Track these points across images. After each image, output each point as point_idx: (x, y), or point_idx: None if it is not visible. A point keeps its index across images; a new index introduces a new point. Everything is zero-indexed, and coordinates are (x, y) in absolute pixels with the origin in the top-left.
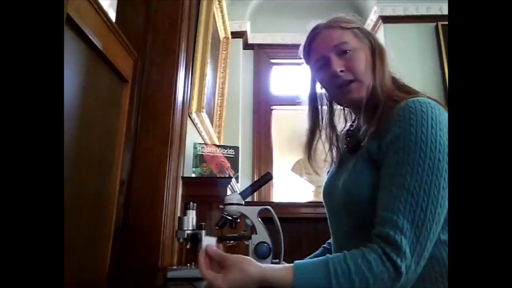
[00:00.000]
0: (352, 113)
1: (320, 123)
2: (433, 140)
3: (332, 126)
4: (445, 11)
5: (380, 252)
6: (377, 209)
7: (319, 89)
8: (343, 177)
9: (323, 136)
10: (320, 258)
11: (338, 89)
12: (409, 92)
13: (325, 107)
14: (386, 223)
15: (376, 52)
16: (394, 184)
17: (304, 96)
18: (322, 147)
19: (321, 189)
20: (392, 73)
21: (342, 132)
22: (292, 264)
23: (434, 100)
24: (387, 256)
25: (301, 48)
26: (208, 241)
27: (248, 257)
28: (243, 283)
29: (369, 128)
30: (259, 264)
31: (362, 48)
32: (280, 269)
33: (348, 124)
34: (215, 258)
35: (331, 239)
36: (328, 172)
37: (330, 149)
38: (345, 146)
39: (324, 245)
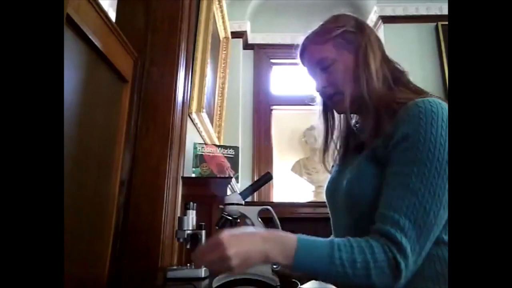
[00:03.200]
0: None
1: (331, 124)
2: (442, 142)
3: (337, 125)
4: (445, 11)
5: (383, 243)
6: (379, 206)
7: None
8: (347, 176)
9: (335, 136)
10: (325, 239)
11: (327, 101)
12: (417, 92)
13: None
14: (387, 220)
15: (360, 56)
16: (398, 183)
17: (316, 96)
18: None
19: (321, 189)
20: (397, 67)
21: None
22: (296, 236)
23: (444, 100)
24: (389, 249)
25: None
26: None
27: None
28: (248, 238)
29: (374, 129)
30: None
31: (341, 58)
32: (284, 238)
33: (353, 122)
34: None
35: (332, 236)
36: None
37: (335, 147)
38: (349, 145)
39: None
